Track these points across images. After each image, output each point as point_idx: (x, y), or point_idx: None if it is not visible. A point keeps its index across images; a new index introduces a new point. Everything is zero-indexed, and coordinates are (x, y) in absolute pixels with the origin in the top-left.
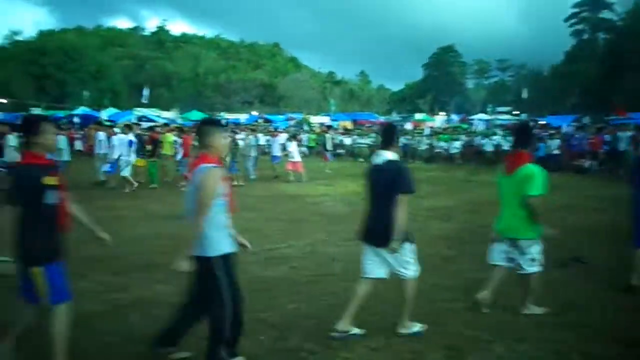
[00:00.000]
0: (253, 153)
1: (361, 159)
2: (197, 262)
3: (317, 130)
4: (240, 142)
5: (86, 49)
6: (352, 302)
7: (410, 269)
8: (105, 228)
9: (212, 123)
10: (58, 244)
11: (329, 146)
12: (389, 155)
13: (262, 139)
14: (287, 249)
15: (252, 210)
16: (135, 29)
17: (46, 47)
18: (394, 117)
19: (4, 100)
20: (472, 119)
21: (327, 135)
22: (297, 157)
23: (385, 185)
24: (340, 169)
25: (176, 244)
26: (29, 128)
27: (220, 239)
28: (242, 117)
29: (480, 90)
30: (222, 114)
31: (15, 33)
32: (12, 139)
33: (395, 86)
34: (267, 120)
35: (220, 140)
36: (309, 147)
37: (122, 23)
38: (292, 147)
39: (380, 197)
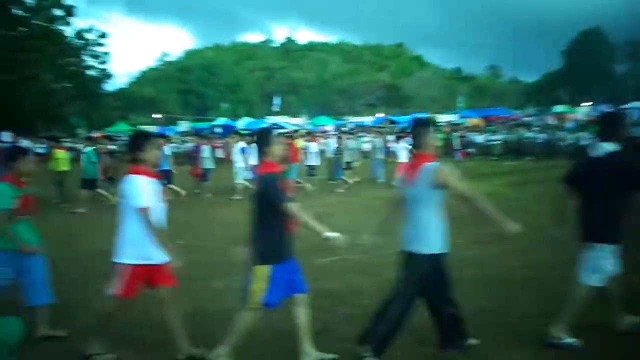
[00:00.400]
0: (380, 155)
1: (494, 158)
2: (410, 257)
3: (444, 129)
4: (367, 145)
5: (223, 64)
6: (568, 307)
7: (591, 275)
8: (247, 230)
9: (425, 124)
10: (287, 245)
11: (456, 145)
12: (611, 147)
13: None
14: None
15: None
16: (266, 41)
17: (190, 65)
18: (529, 110)
19: (159, 115)
20: (626, 108)
21: (454, 134)
22: (404, 159)
23: (607, 180)
24: (471, 169)
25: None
26: (264, 140)
27: (437, 237)
28: (367, 120)
29: (634, 75)
30: (346, 117)
31: (165, 55)
32: (167, 149)
33: (530, 78)
34: (392, 122)
35: (433, 139)
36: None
37: (254, 37)
38: (399, 147)
39: (598, 193)
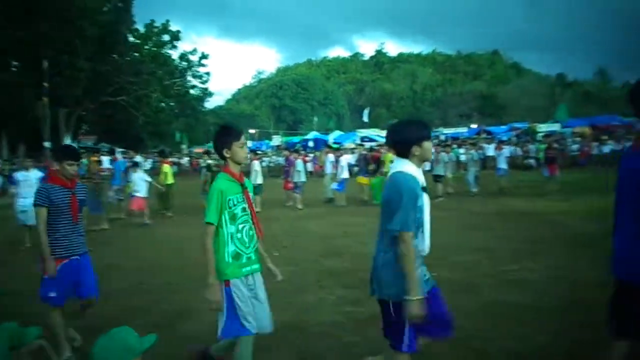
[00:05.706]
0: (474, 167)
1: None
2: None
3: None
4: (463, 157)
5: (314, 79)
6: None
7: None
8: (338, 243)
9: None
10: None
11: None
12: None
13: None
14: (521, 271)
15: (480, 229)
16: (356, 55)
17: (282, 82)
18: None
19: (253, 131)
20: None
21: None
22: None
23: None
24: (578, 182)
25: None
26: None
27: None
28: (461, 131)
29: None
30: (439, 128)
31: (260, 72)
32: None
33: None
34: (488, 132)
35: None
36: (537, 159)
37: (339, 52)
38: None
39: None
